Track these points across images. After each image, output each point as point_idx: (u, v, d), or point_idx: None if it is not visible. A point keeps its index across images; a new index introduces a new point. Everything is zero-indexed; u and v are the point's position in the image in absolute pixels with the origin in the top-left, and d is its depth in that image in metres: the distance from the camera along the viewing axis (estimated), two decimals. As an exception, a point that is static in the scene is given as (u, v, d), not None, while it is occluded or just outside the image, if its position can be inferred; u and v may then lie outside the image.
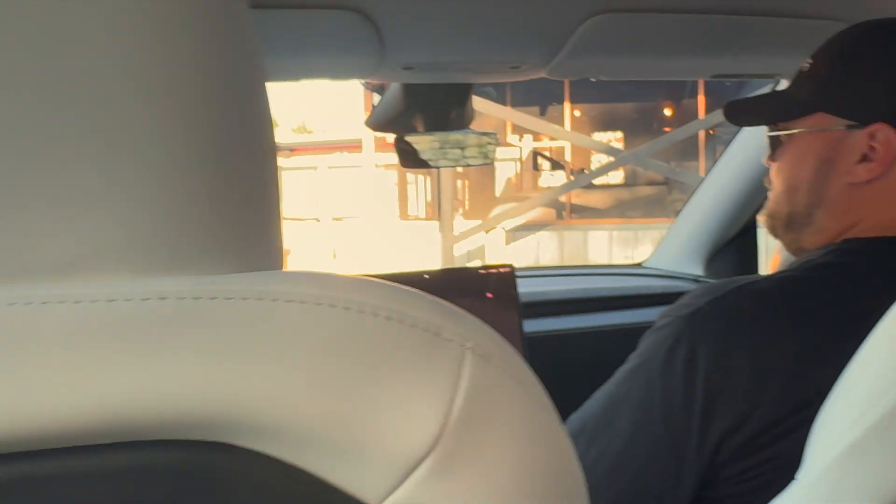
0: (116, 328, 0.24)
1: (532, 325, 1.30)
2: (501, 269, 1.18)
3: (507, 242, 9.77)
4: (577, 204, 10.39)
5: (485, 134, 1.17)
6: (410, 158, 1.12)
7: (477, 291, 1.17)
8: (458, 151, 1.14)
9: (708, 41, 1.01)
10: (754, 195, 1.50)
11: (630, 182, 10.52)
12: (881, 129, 0.76)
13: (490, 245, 9.53)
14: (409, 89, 1.13)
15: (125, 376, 0.24)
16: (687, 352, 0.71)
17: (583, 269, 1.77)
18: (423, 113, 1.14)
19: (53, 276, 0.25)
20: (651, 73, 1.22)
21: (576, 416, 0.80)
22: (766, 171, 0.91)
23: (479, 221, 9.55)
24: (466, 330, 0.28)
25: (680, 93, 9.83)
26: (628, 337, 0.80)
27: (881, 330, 0.55)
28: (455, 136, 1.14)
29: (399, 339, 0.26)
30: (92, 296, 0.24)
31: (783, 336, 0.71)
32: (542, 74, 1.11)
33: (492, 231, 9.53)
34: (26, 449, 0.23)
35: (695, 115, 9.17)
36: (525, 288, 1.29)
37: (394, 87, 1.15)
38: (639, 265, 1.80)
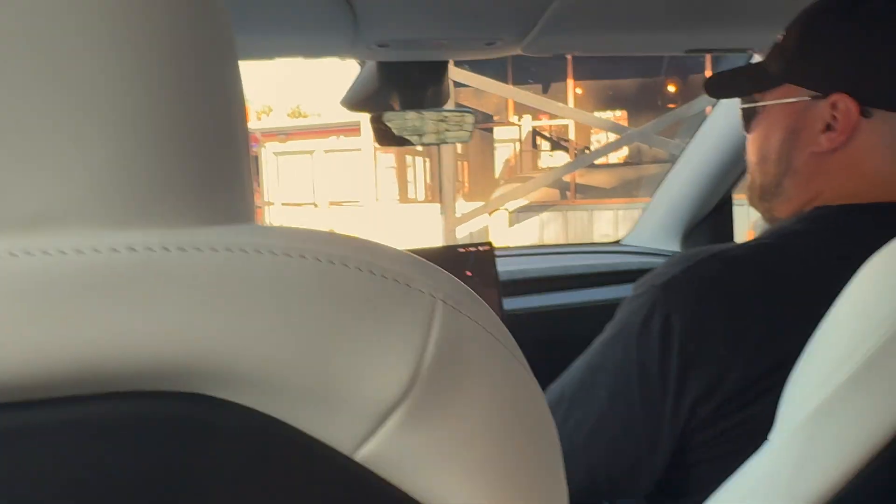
0: (86, 279, 0.24)
1: (512, 303, 1.32)
2: (481, 248, 1.19)
3: (511, 224, 9.77)
4: (581, 184, 10.36)
5: (462, 111, 1.18)
6: (387, 137, 1.13)
7: (457, 270, 1.18)
8: (435, 129, 1.15)
9: (681, 15, 1.01)
10: (728, 171, 1.52)
11: (635, 161, 10.49)
12: (841, 99, 0.77)
13: (493, 227, 9.53)
14: (384, 67, 1.14)
15: (96, 327, 0.24)
16: (662, 320, 0.72)
17: (562, 248, 1.78)
18: (399, 91, 1.14)
19: (21, 230, 0.25)
20: (625, 49, 1.23)
21: (555, 386, 0.82)
22: (740, 149, 0.92)
23: (480, 203, 9.54)
24: (437, 281, 0.28)
25: (685, 69, 9.77)
26: (607, 313, 0.81)
27: (847, 294, 0.57)
28: (432, 114, 1.15)
29: (370, 289, 0.27)
30: (60, 247, 0.24)
31: (754, 302, 0.73)
32: (518, 51, 1.11)
33: (495, 213, 9.52)
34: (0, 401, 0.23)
35: (700, 91, 9.12)
36: (504, 266, 1.31)
37: (369, 66, 1.15)
38: (617, 242, 1.83)
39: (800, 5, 0.82)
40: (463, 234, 9.15)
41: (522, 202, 9.77)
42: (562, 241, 9.39)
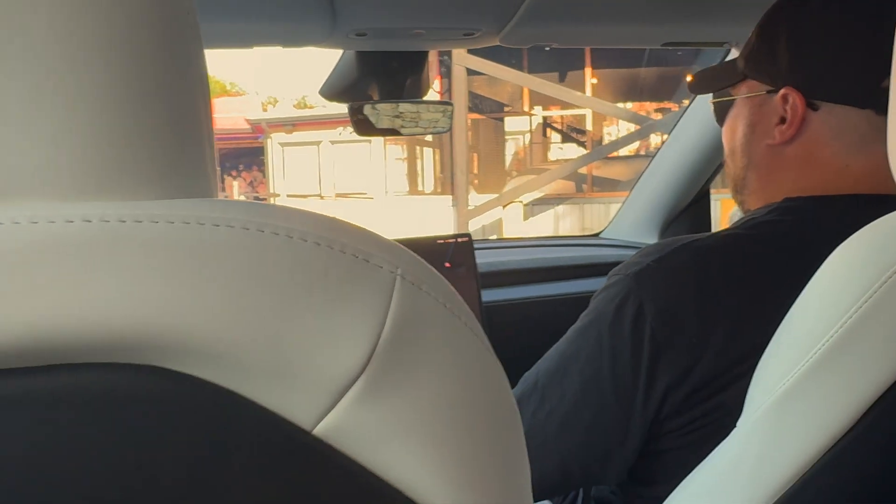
0: (40, 249, 0.24)
1: (490, 295, 1.35)
2: (459, 239, 1.23)
3: (526, 217, 9.76)
4: (598, 176, 10.33)
5: (442, 103, 1.21)
6: (366, 127, 1.16)
7: (435, 261, 1.22)
8: (414, 120, 1.19)
9: (658, 8, 1.04)
10: (706, 165, 1.57)
11: (653, 152, 10.43)
12: (790, 94, 0.82)
13: (507, 220, 9.53)
14: (362, 57, 1.18)
15: (49, 297, 0.24)
16: (635, 309, 0.76)
17: (541, 241, 1.82)
18: (378, 81, 1.18)
19: None
20: (603, 41, 1.26)
21: (529, 374, 0.85)
22: (717, 142, 0.96)
23: (493, 195, 9.54)
24: (396, 257, 0.29)
25: (706, 58, 9.69)
26: (583, 304, 0.84)
27: (813, 283, 0.60)
28: (410, 105, 1.18)
29: (328, 263, 0.27)
30: (14, 217, 0.24)
31: (725, 291, 0.76)
32: (496, 42, 1.15)
33: (509, 206, 9.52)
34: None
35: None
36: (483, 258, 1.34)
37: (347, 55, 1.19)
38: (596, 236, 1.87)
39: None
40: (476, 227, 9.16)
41: (537, 194, 9.76)
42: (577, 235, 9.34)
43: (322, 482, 0.27)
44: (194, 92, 0.30)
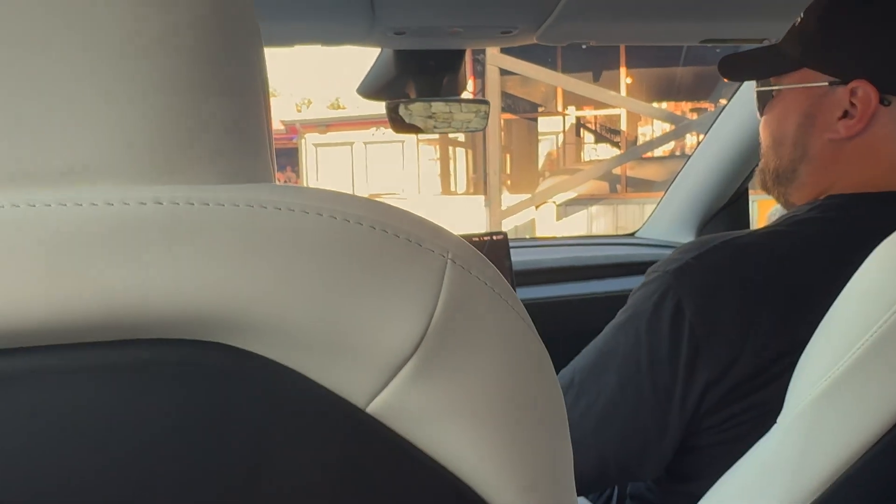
0: (114, 230, 0.26)
1: (525, 293, 1.36)
2: (495, 237, 1.24)
3: (559, 218, 9.72)
4: (631, 176, 10.25)
5: (478, 101, 1.22)
6: (402, 124, 1.17)
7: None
8: (450, 119, 1.19)
9: (697, 4, 1.04)
10: (744, 164, 1.54)
11: (689, 153, 10.31)
12: (861, 86, 0.79)
13: (540, 220, 9.50)
14: (400, 55, 1.19)
15: (122, 275, 0.25)
16: (673, 306, 0.75)
17: (576, 240, 1.81)
18: (415, 79, 1.19)
19: (57, 182, 0.27)
20: (640, 38, 1.25)
21: (566, 371, 0.85)
22: (756, 140, 0.94)
23: (525, 195, 9.51)
24: (446, 242, 0.30)
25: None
26: (619, 303, 0.84)
27: (856, 280, 0.60)
28: (447, 103, 1.19)
29: (382, 247, 0.28)
30: (91, 199, 0.26)
31: (765, 289, 0.75)
32: (533, 40, 1.15)
33: (542, 206, 9.49)
34: (32, 344, 0.25)
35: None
36: (518, 257, 1.35)
37: (385, 53, 1.20)
38: (632, 235, 1.86)
39: None
40: (508, 228, 9.14)
41: (570, 195, 9.72)
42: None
43: (374, 457, 0.28)
44: (255, 85, 0.32)
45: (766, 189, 0.93)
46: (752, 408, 0.74)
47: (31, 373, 0.26)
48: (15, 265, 0.25)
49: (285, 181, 14.88)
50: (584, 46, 1.17)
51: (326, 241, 0.28)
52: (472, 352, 0.29)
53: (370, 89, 1.21)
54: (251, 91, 0.32)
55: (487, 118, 1.21)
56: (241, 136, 0.31)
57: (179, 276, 0.26)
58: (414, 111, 1.17)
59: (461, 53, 1.22)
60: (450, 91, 1.20)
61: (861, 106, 0.79)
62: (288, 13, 1.02)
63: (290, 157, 13.75)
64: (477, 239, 1.23)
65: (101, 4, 0.27)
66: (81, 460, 0.26)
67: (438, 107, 1.17)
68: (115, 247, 0.26)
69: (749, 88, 1.42)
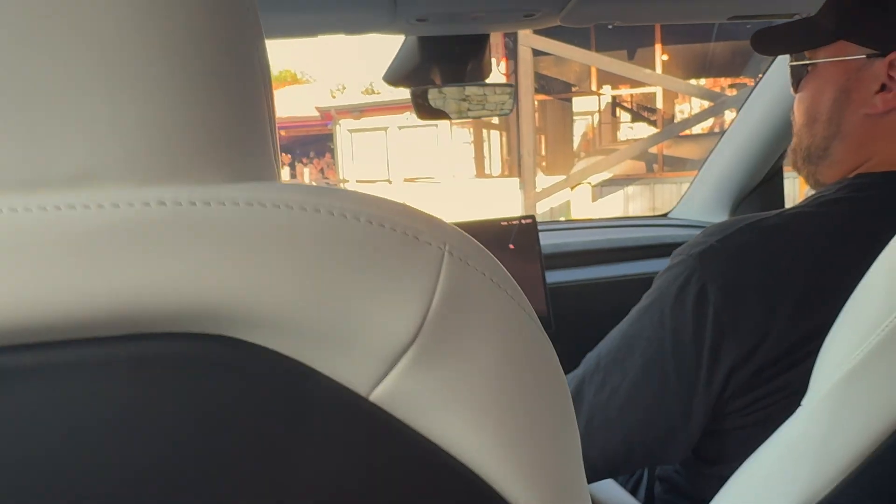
0: (121, 230, 0.27)
1: (555, 276, 1.35)
2: (523, 221, 1.24)
3: (594, 199, 9.64)
4: (668, 155, 10.10)
5: (503, 85, 1.21)
6: (427, 111, 1.18)
7: (499, 243, 1.23)
8: (475, 104, 1.19)
9: None
10: (778, 142, 1.50)
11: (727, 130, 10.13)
12: None
13: (575, 201, 9.43)
14: (424, 42, 1.19)
15: (131, 273, 0.27)
16: (697, 289, 0.75)
17: (607, 222, 1.79)
18: (440, 65, 1.19)
19: (66, 186, 0.28)
20: (667, 17, 1.22)
21: (591, 354, 0.85)
22: (790, 118, 0.92)
23: (560, 177, 9.43)
24: (443, 234, 0.31)
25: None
26: (650, 285, 0.83)
27: (882, 260, 0.59)
28: (472, 88, 1.19)
29: (380, 241, 0.29)
30: (99, 202, 0.27)
31: (790, 272, 0.74)
32: (556, 22, 1.14)
33: (577, 187, 9.42)
34: (43, 339, 0.27)
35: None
36: (549, 240, 1.34)
37: (409, 41, 1.20)
38: (664, 216, 1.83)
39: None
40: (543, 209, 9.10)
41: (606, 175, 9.62)
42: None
43: (378, 444, 0.29)
44: (256, 82, 0.33)
45: (796, 168, 0.91)
46: (778, 391, 0.74)
47: (43, 368, 0.27)
48: (28, 266, 0.26)
49: (322, 168, 14.98)
50: (609, 27, 1.16)
51: (324, 238, 0.29)
52: (470, 341, 0.30)
53: (396, 76, 1.22)
54: (253, 88, 0.32)
55: (514, 101, 1.21)
56: (244, 136, 0.32)
57: (185, 273, 0.27)
58: (448, 94, 1.17)
59: (485, 38, 1.21)
60: (474, 76, 1.20)
61: None
62: (311, 4, 1.02)
63: (325, 144, 13.83)
64: (505, 223, 1.23)
65: (102, 9, 0.28)
66: (92, 453, 0.27)
67: (472, 90, 1.17)
68: (123, 246, 0.27)
69: (783, 63, 1.38)
